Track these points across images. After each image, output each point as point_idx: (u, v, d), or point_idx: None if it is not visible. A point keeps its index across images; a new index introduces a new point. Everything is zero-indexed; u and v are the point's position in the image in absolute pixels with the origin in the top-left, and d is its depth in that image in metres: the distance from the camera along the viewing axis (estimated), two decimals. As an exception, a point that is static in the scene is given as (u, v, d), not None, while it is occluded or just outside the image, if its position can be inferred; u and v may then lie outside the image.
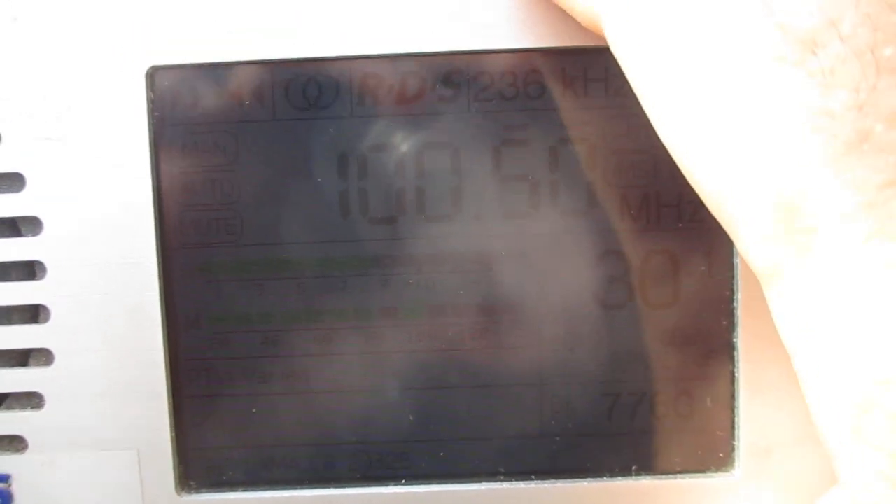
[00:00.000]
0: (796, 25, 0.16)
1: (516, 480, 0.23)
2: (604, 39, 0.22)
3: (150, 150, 0.22)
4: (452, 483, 0.23)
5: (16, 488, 0.23)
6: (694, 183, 0.18)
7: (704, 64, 0.17)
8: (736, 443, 0.23)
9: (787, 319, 0.17)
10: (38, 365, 0.23)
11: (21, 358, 0.23)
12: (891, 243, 0.16)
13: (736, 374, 0.23)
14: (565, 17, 0.22)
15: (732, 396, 0.23)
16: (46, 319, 0.22)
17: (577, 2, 0.19)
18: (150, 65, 0.22)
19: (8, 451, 0.23)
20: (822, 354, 0.17)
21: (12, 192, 0.22)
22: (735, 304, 0.22)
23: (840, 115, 0.16)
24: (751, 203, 0.17)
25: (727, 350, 0.23)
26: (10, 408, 0.23)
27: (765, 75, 0.16)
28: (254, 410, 0.23)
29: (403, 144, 0.22)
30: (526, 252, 0.23)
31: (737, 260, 0.22)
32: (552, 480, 0.23)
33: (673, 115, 0.18)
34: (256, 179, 0.22)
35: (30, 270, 0.23)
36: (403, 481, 0.23)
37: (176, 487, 0.23)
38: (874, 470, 0.16)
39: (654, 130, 0.22)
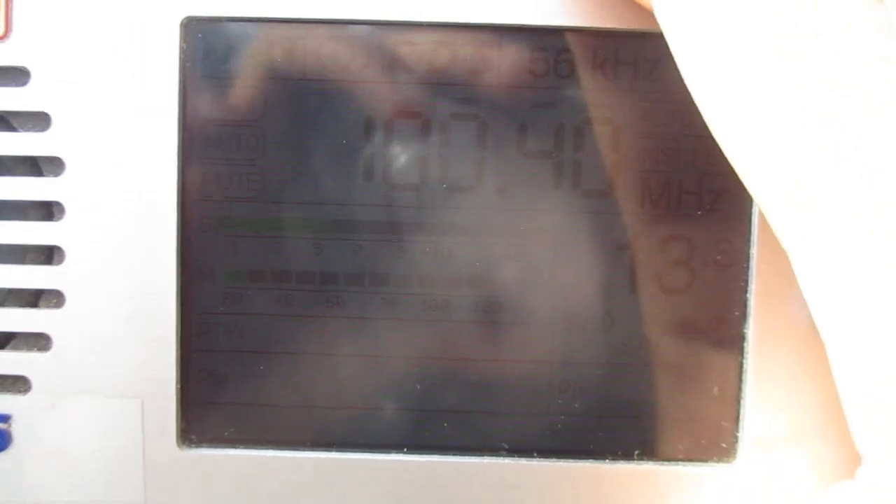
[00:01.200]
0: None
1: (519, 457, 0.23)
2: (637, 21, 0.22)
3: (179, 101, 0.22)
4: (454, 455, 0.23)
5: (15, 429, 0.23)
6: (728, 144, 0.17)
7: (725, 15, 0.17)
8: (740, 434, 0.23)
9: (810, 295, 0.17)
10: (48, 306, 0.23)
11: (32, 298, 0.23)
12: None
13: (744, 366, 0.23)
14: (600, -1, 0.22)
15: (739, 388, 0.23)
16: (61, 261, 0.22)
17: None
18: (185, 15, 0.22)
19: (11, 391, 0.23)
20: (844, 339, 0.16)
21: (37, 131, 0.22)
22: (748, 295, 0.22)
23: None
24: (760, 161, 0.16)
25: (737, 340, 0.23)
26: (16, 348, 0.23)
27: (784, 30, 0.16)
28: (261, 368, 0.23)
29: (431, 114, 0.22)
30: (544, 229, 0.23)
31: (753, 251, 0.22)
32: (555, 459, 0.23)
33: (724, 59, 0.17)
34: (281, 137, 0.22)
35: (48, 211, 0.23)
36: (406, 450, 0.23)
37: (177, 440, 0.23)
38: None
39: (680, 116, 0.22)
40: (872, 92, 0.16)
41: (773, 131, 0.16)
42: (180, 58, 0.22)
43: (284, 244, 0.23)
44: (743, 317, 0.23)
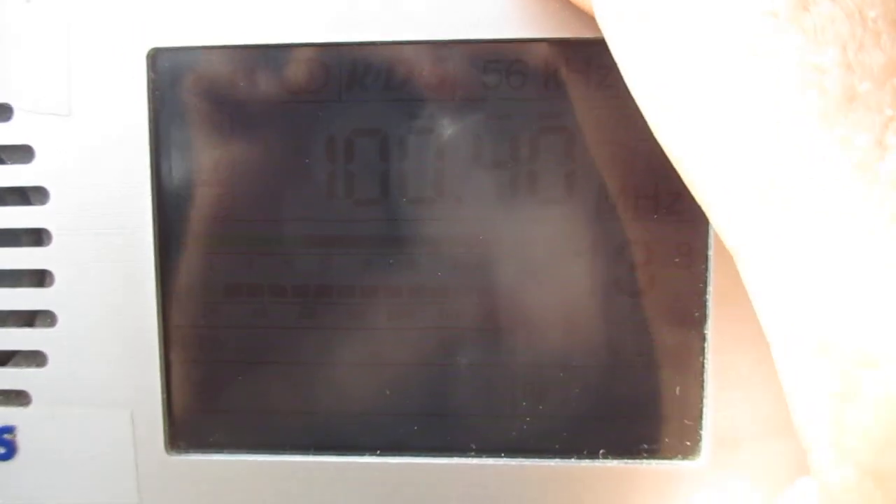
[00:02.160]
0: None
1: (486, 457, 0.24)
2: (587, 30, 0.22)
3: (150, 128, 0.23)
4: (424, 456, 0.24)
5: (20, 439, 0.24)
6: (672, 151, 0.18)
7: (691, 17, 0.17)
8: (703, 432, 0.23)
9: (763, 297, 0.17)
10: (43, 326, 0.24)
11: (28, 319, 0.25)
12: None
13: (705, 365, 0.23)
14: (549, 9, 0.22)
15: (701, 387, 0.23)
16: (51, 283, 0.24)
17: None
18: (151, 46, 0.23)
19: (14, 404, 0.24)
20: (800, 334, 0.16)
21: (23, 163, 0.24)
22: (707, 297, 0.23)
23: (830, 71, 0.16)
24: (731, 161, 0.16)
25: (698, 341, 0.23)
26: (17, 364, 0.25)
27: (757, 30, 0.16)
28: (240, 378, 0.24)
29: (390, 130, 0.23)
30: (503, 238, 0.23)
31: (711, 252, 0.23)
32: (521, 458, 0.24)
33: (658, 73, 0.17)
34: (249, 158, 0.23)
35: (37, 237, 0.24)
36: (378, 452, 0.24)
37: (165, 447, 0.24)
38: (853, 462, 0.16)
39: (634, 122, 0.23)
40: (847, 88, 0.16)
41: (746, 131, 0.16)
42: (149, 87, 0.23)
43: (256, 260, 0.24)
44: (703, 317, 0.23)
